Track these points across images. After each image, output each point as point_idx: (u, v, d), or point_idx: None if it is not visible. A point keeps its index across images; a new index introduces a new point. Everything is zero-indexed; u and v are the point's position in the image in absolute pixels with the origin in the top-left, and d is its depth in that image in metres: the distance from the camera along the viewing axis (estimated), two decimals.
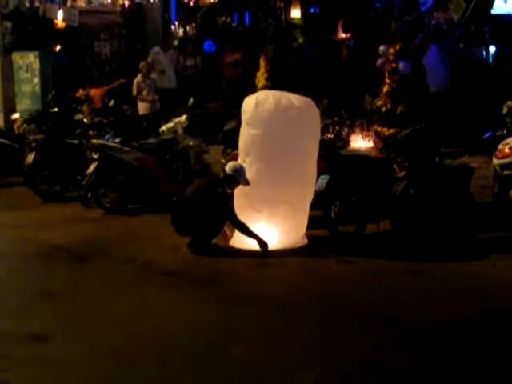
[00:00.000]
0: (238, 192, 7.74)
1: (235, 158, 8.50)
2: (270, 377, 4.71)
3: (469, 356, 4.97)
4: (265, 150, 7.64)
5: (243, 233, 7.61)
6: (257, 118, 7.68)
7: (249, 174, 7.62)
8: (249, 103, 7.82)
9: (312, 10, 17.71)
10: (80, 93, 14.54)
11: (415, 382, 4.61)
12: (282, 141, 7.62)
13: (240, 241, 7.76)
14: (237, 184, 7.66)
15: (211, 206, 7.61)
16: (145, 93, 14.05)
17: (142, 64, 14.41)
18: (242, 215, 7.69)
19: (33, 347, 5.26)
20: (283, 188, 7.59)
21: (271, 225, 7.67)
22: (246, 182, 7.57)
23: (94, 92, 14.96)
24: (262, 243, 7.49)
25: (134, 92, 14.15)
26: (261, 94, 7.97)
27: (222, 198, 7.63)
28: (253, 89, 13.44)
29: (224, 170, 7.73)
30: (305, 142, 7.75)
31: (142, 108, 14.14)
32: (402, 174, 7.99)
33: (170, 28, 18.73)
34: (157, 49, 15.25)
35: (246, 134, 7.78)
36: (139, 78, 14.15)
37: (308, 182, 7.80)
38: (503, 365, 4.83)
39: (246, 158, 7.73)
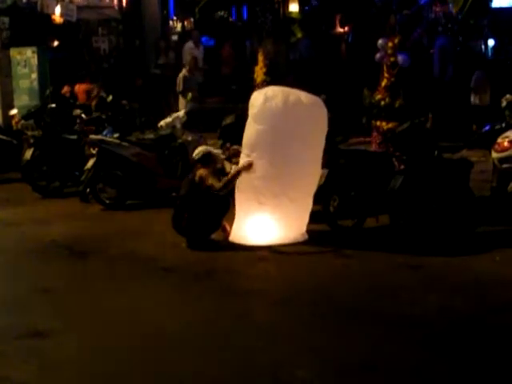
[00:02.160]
0: (245, 185, 7.71)
1: (235, 153, 8.50)
2: (269, 372, 4.71)
3: (468, 350, 4.96)
4: (271, 145, 7.62)
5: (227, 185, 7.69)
6: (264, 113, 7.65)
7: (255, 169, 7.62)
8: (257, 98, 7.80)
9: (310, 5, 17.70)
10: (65, 89, 14.50)
11: (414, 377, 4.61)
12: (288, 138, 7.60)
13: (239, 236, 7.75)
14: (214, 161, 7.85)
15: (205, 200, 7.61)
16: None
17: (188, 58, 13.50)
18: (247, 207, 7.70)
19: (32, 343, 5.26)
20: (287, 184, 7.59)
21: (273, 219, 7.66)
22: (219, 156, 7.91)
23: (78, 87, 14.91)
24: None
25: (180, 87, 13.16)
26: (269, 90, 7.92)
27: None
28: (251, 83, 13.43)
29: (194, 160, 7.92)
30: (311, 140, 7.74)
31: (185, 105, 12.92)
32: (401, 167, 7.97)
33: (168, 23, 18.67)
34: (191, 44, 15.11)
35: (252, 128, 7.74)
36: (185, 72, 13.23)
37: (312, 179, 7.79)
38: (503, 359, 4.82)
39: (250, 153, 7.69)
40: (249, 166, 7.59)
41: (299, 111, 7.68)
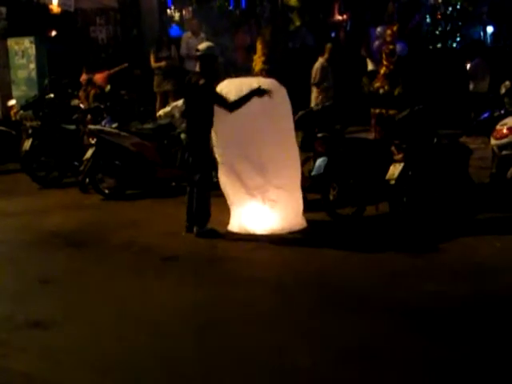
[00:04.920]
0: (232, 180, 7.69)
1: None
2: (269, 359, 4.71)
3: (468, 337, 4.97)
4: (241, 139, 7.58)
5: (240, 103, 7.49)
6: (223, 110, 7.56)
7: (233, 165, 7.61)
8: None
9: None
10: (83, 77, 14.43)
11: (413, 363, 4.61)
12: (253, 128, 7.55)
13: (237, 225, 7.75)
14: (216, 60, 7.72)
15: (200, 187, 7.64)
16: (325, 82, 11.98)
17: (328, 46, 12.31)
18: (239, 200, 7.70)
19: (32, 333, 5.27)
20: (267, 172, 7.57)
21: (267, 208, 7.65)
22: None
23: (99, 76, 14.84)
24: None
25: (316, 79, 11.99)
26: (224, 87, 7.75)
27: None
28: (250, 72, 13.40)
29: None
30: (277, 123, 7.68)
31: (320, 98, 11.91)
32: (400, 155, 7.96)
33: (165, 12, 18.58)
34: (189, 34, 15.07)
35: (216, 128, 7.66)
36: (323, 61, 12.07)
37: (292, 161, 7.76)
38: (502, 345, 4.83)
39: (222, 151, 7.68)
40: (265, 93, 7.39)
41: (256, 99, 7.50)
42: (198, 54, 7.73)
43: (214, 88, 7.59)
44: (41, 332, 5.28)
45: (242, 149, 7.57)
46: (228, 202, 7.82)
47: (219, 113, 7.57)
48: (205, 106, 7.56)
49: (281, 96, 7.75)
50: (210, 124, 7.59)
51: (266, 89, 7.42)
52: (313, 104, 11.97)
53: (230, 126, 7.60)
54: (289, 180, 7.73)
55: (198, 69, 7.74)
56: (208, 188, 7.70)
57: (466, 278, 6.19)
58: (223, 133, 7.66)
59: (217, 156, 7.77)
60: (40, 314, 5.62)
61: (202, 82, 7.57)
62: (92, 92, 13.79)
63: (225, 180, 7.74)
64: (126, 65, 14.96)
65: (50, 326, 5.38)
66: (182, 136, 8.85)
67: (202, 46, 7.84)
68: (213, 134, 7.70)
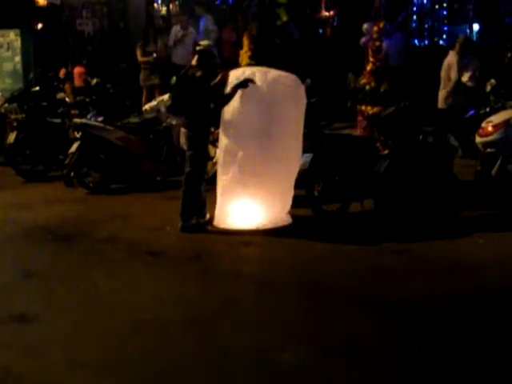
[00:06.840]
0: (230, 164, 7.68)
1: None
2: (255, 356, 4.71)
3: (453, 333, 5.00)
4: (253, 124, 7.58)
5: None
6: (243, 92, 7.60)
7: (237, 151, 7.60)
8: (236, 77, 7.72)
9: None
10: (62, 72, 14.37)
11: (400, 360, 4.63)
12: (269, 115, 7.57)
13: (223, 220, 7.74)
14: (214, 58, 8.00)
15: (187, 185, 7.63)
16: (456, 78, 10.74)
17: (460, 39, 11.20)
18: (231, 190, 7.69)
19: (16, 328, 5.25)
20: (269, 163, 7.57)
21: (256, 201, 7.65)
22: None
23: (78, 70, 14.77)
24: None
25: (454, 75, 10.82)
26: (247, 69, 7.88)
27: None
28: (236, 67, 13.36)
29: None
30: (291, 120, 7.70)
31: (446, 100, 10.91)
32: (386, 152, 7.99)
33: (153, 6, 18.50)
34: (178, 27, 15.03)
35: (231, 107, 7.64)
36: (456, 56, 10.84)
37: (292, 160, 7.76)
38: (488, 340, 4.86)
39: (229, 133, 7.68)
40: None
41: (278, 89, 7.61)
42: (199, 48, 7.85)
43: (210, 82, 7.69)
44: (25, 326, 5.27)
45: (251, 134, 7.55)
46: (217, 191, 7.79)
47: (242, 98, 7.59)
48: (201, 98, 7.61)
49: (299, 94, 7.79)
50: (208, 117, 7.65)
51: (249, 78, 7.50)
52: (441, 105, 10.93)
53: (244, 111, 7.58)
54: (285, 177, 7.73)
55: (194, 62, 7.77)
56: (198, 182, 7.70)
57: (450, 275, 6.23)
58: (240, 117, 7.62)
59: (221, 139, 7.77)
60: (24, 307, 5.59)
61: (198, 74, 7.65)
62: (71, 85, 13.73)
63: (222, 164, 7.73)
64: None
65: (34, 319, 5.36)
66: (183, 130, 8.88)
67: (204, 42, 8.15)
68: (226, 116, 7.68)
